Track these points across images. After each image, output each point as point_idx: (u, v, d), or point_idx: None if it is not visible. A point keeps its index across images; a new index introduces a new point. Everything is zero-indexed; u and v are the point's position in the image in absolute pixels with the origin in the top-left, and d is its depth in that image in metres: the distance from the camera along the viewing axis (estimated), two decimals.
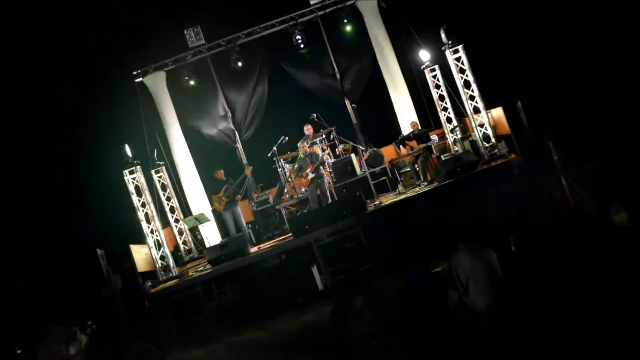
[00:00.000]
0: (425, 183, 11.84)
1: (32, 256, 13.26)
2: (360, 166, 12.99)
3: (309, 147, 12.56)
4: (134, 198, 11.55)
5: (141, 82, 14.82)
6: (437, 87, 13.17)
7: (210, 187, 12.53)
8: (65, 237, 13.18)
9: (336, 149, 13.41)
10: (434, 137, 12.88)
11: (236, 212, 12.31)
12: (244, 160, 15.01)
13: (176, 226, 13.41)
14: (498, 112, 12.12)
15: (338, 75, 15.34)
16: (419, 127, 13.13)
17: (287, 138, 13.30)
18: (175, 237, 13.35)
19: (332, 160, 12.99)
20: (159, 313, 10.47)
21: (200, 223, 13.09)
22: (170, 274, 11.37)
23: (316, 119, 13.50)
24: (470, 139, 12.81)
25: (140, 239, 11.55)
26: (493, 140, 12.20)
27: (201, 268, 11.29)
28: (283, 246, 10.76)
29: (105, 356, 9.66)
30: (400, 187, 12.54)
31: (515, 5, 13.81)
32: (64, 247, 12.95)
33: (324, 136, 13.45)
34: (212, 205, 12.89)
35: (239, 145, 15.31)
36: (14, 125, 13.68)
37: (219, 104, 15.56)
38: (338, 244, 10.38)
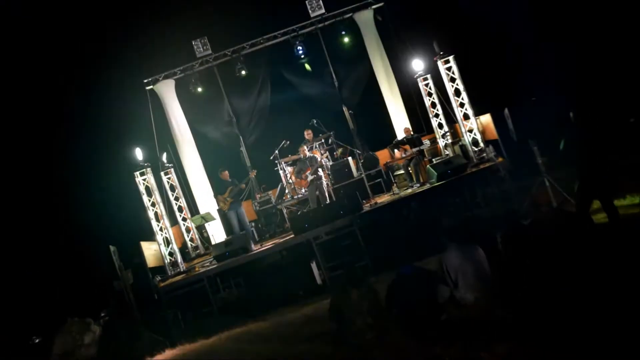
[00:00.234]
0: (418, 185, 11.84)
1: (50, 252, 13.29)
2: (357, 168, 12.99)
3: (308, 150, 12.57)
4: (145, 198, 11.57)
5: (152, 89, 14.83)
6: (429, 95, 13.18)
7: (216, 188, 12.52)
8: (81, 234, 13.18)
9: (334, 153, 13.42)
10: (426, 141, 12.85)
11: (240, 211, 12.29)
12: (248, 163, 15.00)
13: (184, 224, 13.40)
14: (486, 119, 12.14)
15: (336, 84, 15.34)
16: (412, 132, 13.17)
17: (288, 142, 13.29)
18: (183, 234, 13.35)
19: (331, 163, 13.00)
20: (167, 305, 10.47)
21: (207, 221, 13.09)
22: (178, 269, 11.38)
23: (316, 125, 13.50)
24: (460, 143, 12.83)
25: (150, 237, 11.57)
26: (481, 144, 12.22)
27: (207, 264, 11.28)
28: (284, 243, 10.75)
29: (117, 345, 9.64)
30: (394, 189, 12.52)
31: (502, 20, 13.86)
32: (80, 244, 12.95)
33: (322, 140, 13.45)
34: (217, 205, 12.88)
35: (243, 148, 15.31)
36: (35, 130, 13.71)
37: (225, 110, 15.55)
38: (336, 241, 10.39)
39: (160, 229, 11.58)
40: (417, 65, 13.01)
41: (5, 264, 13.16)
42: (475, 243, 6.35)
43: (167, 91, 14.88)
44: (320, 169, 12.16)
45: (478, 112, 12.31)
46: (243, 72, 15.19)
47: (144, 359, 9.09)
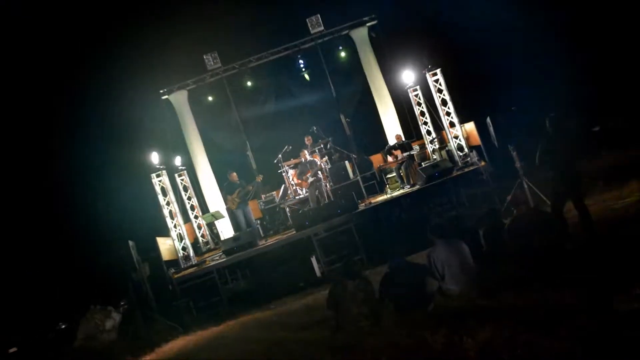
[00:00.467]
0: (408, 186, 11.85)
1: (75, 247, 13.31)
2: (353, 171, 13.01)
3: (309, 155, 12.59)
4: (160, 198, 11.58)
5: (167, 99, 14.85)
6: (419, 104, 13.20)
7: (225, 188, 12.53)
8: (103, 230, 13.19)
9: (332, 157, 13.44)
10: (416, 147, 12.92)
11: (247, 210, 12.31)
12: (254, 166, 15.01)
13: (195, 222, 13.40)
14: (470, 126, 12.17)
15: (334, 94, 15.35)
16: (403, 139, 13.20)
17: (290, 147, 13.31)
18: (195, 230, 13.35)
19: (329, 166, 13.02)
20: (180, 295, 10.46)
21: (216, 219, 13.08)
22: (190, 263, 11.40)
23: (315, 131, 13.53)
24: (446, 148, 12.85)
25: (165, 232, 11.57)
26: (466, 149, 12.24)
27: (217, 257, 11.27)
28: (287, 239, 10.75)
29: (135, 331, 9.67)
30: (387, 190, 12.56)
31: (486, 37, 13.96)
32: (102, 239, 12.95)
33: (322, 146, 13.47)
34: (226, 204, 12.90)
35: (250, 152, 15.31)
36: (64, 137, 13.77)
37: (233, 117, 15.57)
38: (333, 237, 10.42)
39: (174, 226, 11.58)
40: (408, 77, 13.03)
41: (36, 258, 13.23)
42: (460, 239, 6.37)
43: (180, 100, 14.91)
44: (319, 172, 12.17)
45: (463, 120, 12.33)
46: (249, 84, 15.26)
47: (160, 344, 9.11)
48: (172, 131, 14.75)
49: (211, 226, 13.56)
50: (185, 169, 13.51)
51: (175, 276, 10.74)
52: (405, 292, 5.97)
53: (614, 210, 8.29)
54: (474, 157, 11.72)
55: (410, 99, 13.34)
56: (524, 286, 5.78)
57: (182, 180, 13.38)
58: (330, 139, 13.56)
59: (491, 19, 13.94)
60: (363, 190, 12.55)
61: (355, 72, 15.41)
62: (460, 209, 10.34)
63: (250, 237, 10.91)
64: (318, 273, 10.20)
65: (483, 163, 11.17)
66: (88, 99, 14.35)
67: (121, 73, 14.00)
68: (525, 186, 9.73)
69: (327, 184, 12.48)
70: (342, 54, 15.34)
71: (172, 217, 11.59)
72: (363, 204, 11.45)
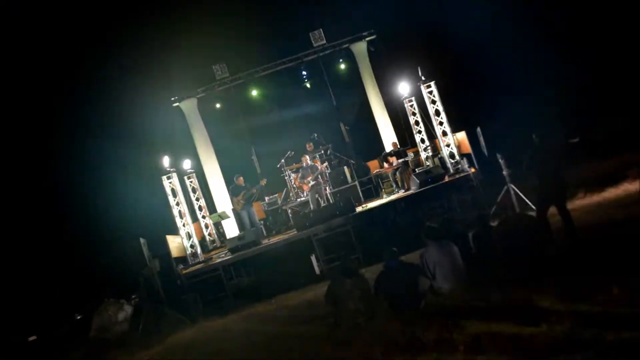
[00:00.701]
0: (403, 190, 11.88)
1: (90, 244, 13.33)
2: (351, 176, 13.03)
3: (310, 160, 12.62)
4: (170, 198, 11.58)
5: (178, 106, 14.88)
6: (413, 114, 13.22)
7: (232, 191, 12.55)
8: (116, 229, 13.20)
9: (332, 162, 13.47)
10: (410, 154, 12.94)
11: (251, 211, 12.32)
12: (258, 170, 15.03)
13: (203, 221, 13.40)
14: (461, 135, 12.17)
15: (335, 103, 15.42)
16: (398, 146, 13.22)
17: (292, 152, 13.34)
18: (202, 229, 13.35)
19: (329, 171, 13.03)
20: (188, 290, 10.44)
21: (222, 219, 13.10)
22: (198, 259, 11.40)
23: (316, 138, 13.57)
24: (439, 156, 12.85)
25: (175, 231, 11.56)
26: (457, 157, 12.24)
27: (222, 255, 11.29)
28: (288, 239, 10.76)
29: (146, 322, 9.66)
30: (382, 194, 12.58)
31: (477, 52, 14.02)
32: (115, 237, 12.96)
33: (322, 152, 13.50)
34: (232, 205, 12.91)
35: (255, 157, 15.35)
36: (86, 143, 13.86)
37: (239, 124, 15.62)
38: (332, 238, 10.40)
39: (183, 225, 11.59)
40: (403, 89, 13.05)
41: (54, 254, 13.25)
42: (450, 241, 6.39)
43: (190, 108, 14.93)
44: (320, 176, 12.20)
45: (454, 130, 12.33)
46: (255, 93, 15.29)
47: (169, 335, 9.11)
48: (182, 136, 14.77)
49: (217, 225, 13.55)
50: (194, 172, 13.51)
51: (184, 272, 10.75)
52: (399, 290, 5.98)
53: (594, 215, 8.33)
54: (464, 164, 11.72)
55: (405, 109, 13.36)
56: (510, 286, 5.80)
57: (191, 182, 13.38)
58: (330, 145, 13.60)
59: (484, 34, 14.00)
60: (360, 194, 12.57)
61: (354, 83, 15.44)
62: (451, 213, 10.33)
63: (254, 237, 10.93)
64: (317, 271, 10.20)
65: (473, 170, 11.18)
66: (108, 106, 14.42)
67: (137, 83, 14.04)
68: (512, 192, 9.74)
69: (327, 188, 12.50)
70: (342, 66, 15.38)
71: (181, 217, 11.59)
72: (360, 206, 11.46)
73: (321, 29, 14.59)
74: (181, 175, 12.70)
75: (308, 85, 15.60)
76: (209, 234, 13.45)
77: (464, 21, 14.07)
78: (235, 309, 9.55)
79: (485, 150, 10.85)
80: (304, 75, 15.38)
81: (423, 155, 13.24)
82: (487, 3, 14.03)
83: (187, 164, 13.11)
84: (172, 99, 14.78)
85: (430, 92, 12.31)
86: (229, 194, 13.15)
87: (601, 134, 12.43)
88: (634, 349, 4.01)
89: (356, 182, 12.71)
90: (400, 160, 12.29)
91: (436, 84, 12.30)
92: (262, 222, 13.05)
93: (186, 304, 10.17)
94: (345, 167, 13.25)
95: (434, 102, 12.30)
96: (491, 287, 5.87)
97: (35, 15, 13.77)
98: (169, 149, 12.68)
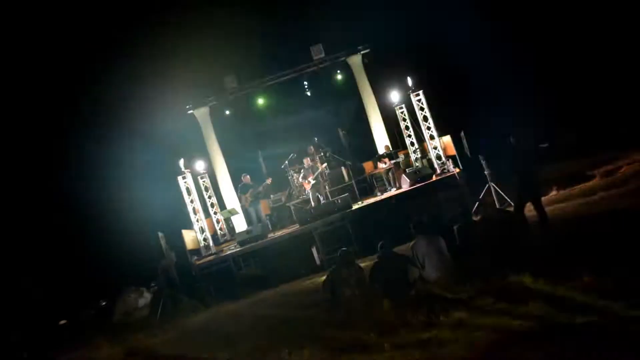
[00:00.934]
0: (395, 189, 11.89)
1: (113, 238, 13.36)
2: (348, 176, 13.04)
3: (311, 161, 12.63)
4: (185, 196, 11.58)
5: (192, 113, 14.88)
6: (404, 120, 13.23)
7: (240, 189, 12.55)
8: (137, 224, 13.21)
9: (330, 163, 13.45)
10: (401, 155, 12.92)
11: (258, 207, 12.32)
12: (264, 170, 15.02)
13: (215, 217, 13.38)
14: (447, 139, 12.18)
15: (333, 110, 15.43)
16: (390, 149, 13.22)
17: (295, 155, 13.34)
18: (214, 224, 13.32)
19: (328, 171, 13.02)
20: (201, 279, 10.48)
21: (232, 215, 13.09)
22: (210, 252, 11.40)
23: (317, 142, 13.56)
24: (427, 157, 12.86)
25: (189, 226, 11.57)
26: (443, 158, 12.24)
27: (232, 247, 11.30)
28: (291, 233, 10.80)
29: (163, 308, 9.68)
30: (376, 192, 12.59)
31: (461, 64, 14.06)
32: (136, 231, 12.97)
33: (322, 154, 13.49)
34: (240, 202, 12.92)
35: (261, 159, 15.35)
36: (112, 147, 13.92)
37: (247, 129, 15.63)
38: (331, 232, 10.41)
39: (197, 220, 11.58)
40: (395, 97, 13.07)
41: (81, 247, 13.29)
42: (438, 234, 6.41)
43: (203, 114, 14.89)
44: (320, 176, 12.21)
45: (441, 134, 12.34)
46: (261, 101, 15.27)
47: (184, 318, 9.14)
48: (196, 140, 14.74)
49: (228, 221, 13.53)
50: (206, 173, 13.49)
51: (197, 263, 10.77)
52: (392, 278, 6.00)
53: (565, 210, 8.36)
54: (450, 165, 11.74)
55: (397, 115, 13.38)
56: (491, 274, 5.82)
57: (204, 182, 13.38)
58: (329, 148, 13.59)
59: (468, 47, 14.07)
60: (357, 192, 12.58)
61: (350, 92, 15.38)
62: (437, 209, 10.36)
63: (261, 231, 10.96)
64: (318, 261, 10.23)
65: (457, 170, 11.19)
66: (131, 115, 14.45)
67: (157, 93, 14.08)
68: (493, 190, 9.78)
69: (326, 187, 12.51)
70: (340, 77, 15.34)
71: (195, 213, 11.60)
72: (356, 204, 11.47)
73: (320, 44, 14.58)
74: (195, 175, 12.70)
75: (309, 94, 15.57)
76: (220, 229, 13.44)
77: (451, 36, 14.14)
78: (244, 296, 9.57)
79: (468, 153, 10.88)
80: (305, 85, 15.35)
81: (413, 157, 13.25)
82: (473, 21, 14.14)
83: (200, 166, 13.10)
84: (187, 106, 14.75)
85: (419, 100, 12.32)
86: (238, 193, 13.14)
87: (568, 140, 12.61)
88: (601, 332, 4.03)
89: (353, 182, 12.72)
90: (392, 162, 12.30)
91: (424, 93, 12.31)
92: (268, 217, 13.05)
93: (200, 292, 10.21)
94: (342, 168, 13.26)
95: (422, 109, 12.31)
96: (474, 275, 5.88)
97: (70, 29, 13.87)
98: (184, 152, 12.68)
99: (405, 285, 5.95)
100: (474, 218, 7.66)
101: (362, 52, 14.89)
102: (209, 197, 13.40)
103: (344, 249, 6.55)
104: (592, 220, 7.31)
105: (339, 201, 10.86)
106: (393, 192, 11.64)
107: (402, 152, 13.60)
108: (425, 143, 12.62)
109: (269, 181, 12.40)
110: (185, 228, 11.45)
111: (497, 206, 9.50)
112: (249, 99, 15.28)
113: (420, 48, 14.92)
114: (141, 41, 14.42)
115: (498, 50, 14.33)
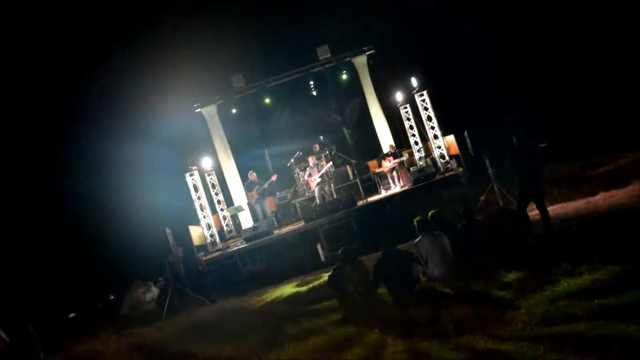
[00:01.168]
0: (399, 187, 11.87)
1: (122, 234, 13.41)
2: (353, 174, 13.02)
3: (316, 159, 12.62)
4: (193, 193, 11.62)
5: (200, 112, 14.91)
6: (408, 119, 13.21)
7: (246, 186, 12.56)
8: (144, 220, 13.24)
9: (335, 162, 13.45)
10: (405, 154, 12.92)
11: (264, 204, 12.33)
12: (270, 168, 15.04)
13: (221, 213, 13.37)
14: (451, 138, 12.16)
15: (338, 110, 15.41)
16: (395, 148, 13.19)
17: (301, 153, 13.34)
18: (220, 221, 13.34)
19: (333, 169, 13.02)
20: (208, 274, 10.51)
21: (238, 212, 13.10)
22: (217, 248, 11.43)
23: (322, 140, 13.55)
24: (430, 156, 12.85)
25: (196, 222, 11.60)
26: (447, 158, 12.24)
27: (238, 243, 11.32)
28: (297, 229, 10.80)
29: (170, 302, 9.71)
30: (380, 190, 12.57)
31: (464, 65, 14.01)
32: (143, 227, 13.01)
33: (327, 152, 13.49)
34: (247, 199, 12.92)
35: (267, 157, 15.37)
36: (119, 145, 14.01)
37: (254, 128, 15.63)
38: (335, 229, 10.40)
39: (204, 217, 11.62)
40: (399, 97, 13.05)
41: (94, 245, 13.38)
42: (441, 233, 6.39)
43: (210, 113, 14.94)
44: (325, 174, 12.19)
45: (444, 133, 12.33)
46: (268, 100, 15.28)
47: (190, 313, 9.15)
48: (203, 138, 14.77)
49: (234, 217, 13.55)
50: (213, 170, 13.50)
51: (204, 258, 10.79)
52: (396, 275, 5.98)
53: (566, 210, 8.32)
54: (453, 164, 11.72)
55: (401, 115, 13.36)
56: (493, 272, 5.80)
57: (211, 179, 13.39)
58: (334, 147, 13.58)
59: (472, 50, 14.06)
60: (361, 190, 12.53)
61: (355, 91, 15.40)
62: (441, 207, 10.31)
63: (267, 227, 10.96)
64: (322, 258, 10.22)
65: (461, 169, 11.17)
66: (141, 113, 14.50)
67: (166, 92, 14.10)
68: (496, 189, 9.73)
69: (331, 184, 12.49)
70: (345, 77, 15.33)
71: (202, 210, 11.63)
72: (361, 201, 11.45)
73: (326, 45, 14.61)
74: (202, 172, 12.72)
75: (315, 93, 15.57)
76: (227, 225, 13.45)
77: (454, 37, 14.10)
78: (250, 291, 9.58)
79: (472, 152, 10.84)
80: (311, 84, 15.35)
81: (417, 155, 13.23)
82: (476, 22, 14.09)
83: (207, 163, 13.11)
84: (195, 105, 14.80)
85: (423, 100, 12.30)
86: (244, 190, 13.15)
87: (567, 141, 12.58)
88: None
89: (357, 180, 12.68)
90: (396, 160, 12.28)
91: (428, 93, 12.29)
92: (273, 214, 13.06)
93: (206, 287, 10.23)
94: (347, 166, 13.24)
95: (426, 108, 12.29)
96: (476, 273, 5.87)
97: (79, 28, 13.93)
98: (192, 149, 12.72)
99: (408, 282, 5.93)
100: (477, 217, 7.62)
101: (366, 53, 14.90)
102: (216, 194, 13.40)
103: (344, 246, 6.53)
104: (594, 219, 7.25)
105: (344, 199, 10.84)
106: (397, 190, 11.62)
107: (406, 151, 13.59)
108: (429, 142, 12.61)
109: (274, 178, 12.41)
110: (193, 224, 11.46)
111: (500, 205, 9.45)
112: (255, 97, 15.30)
113: (424, 48, 14.87)
114: (150, 41, 14.44)
115: (501, 55, 14.32)
